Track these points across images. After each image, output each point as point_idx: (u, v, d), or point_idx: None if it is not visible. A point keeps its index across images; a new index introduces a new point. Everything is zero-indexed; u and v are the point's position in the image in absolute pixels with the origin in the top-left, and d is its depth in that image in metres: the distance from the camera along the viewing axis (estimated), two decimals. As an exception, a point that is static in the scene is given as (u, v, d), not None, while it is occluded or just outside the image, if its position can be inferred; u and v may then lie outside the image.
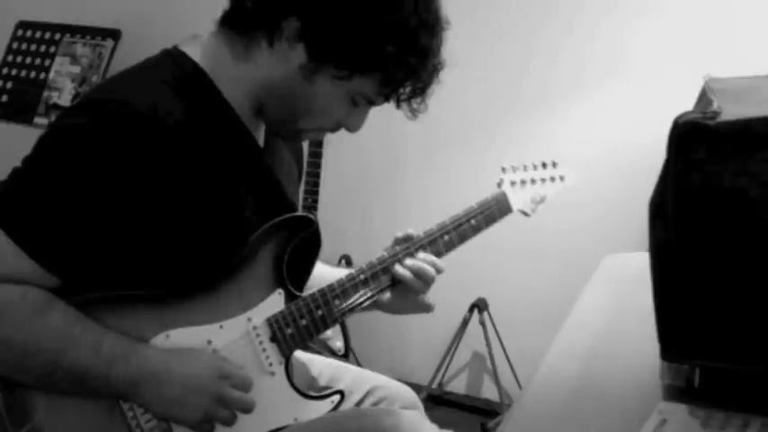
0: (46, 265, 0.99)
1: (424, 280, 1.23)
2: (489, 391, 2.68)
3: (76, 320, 1.02)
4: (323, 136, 1.19)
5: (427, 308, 1.31)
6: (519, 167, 1.41)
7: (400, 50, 1.03)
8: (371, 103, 1.11)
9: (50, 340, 1.00)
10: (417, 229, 1.27)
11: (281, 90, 1.08)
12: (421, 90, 1.10)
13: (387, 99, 1.11)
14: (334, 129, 1.15)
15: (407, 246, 1.25)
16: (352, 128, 1.14)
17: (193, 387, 1.06)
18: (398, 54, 1.03)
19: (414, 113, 1.13)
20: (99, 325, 1.03)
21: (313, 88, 1.07)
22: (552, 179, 1.44)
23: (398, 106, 1.12)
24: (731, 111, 0.74)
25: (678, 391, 0.85)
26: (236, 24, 1.08)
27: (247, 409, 1.10)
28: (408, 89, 1.09)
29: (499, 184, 1.38)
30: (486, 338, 2.48)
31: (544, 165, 1.44)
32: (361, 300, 1.21)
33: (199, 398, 1.06)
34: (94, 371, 1.01)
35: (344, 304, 1.19)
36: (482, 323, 2.49)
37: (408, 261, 1.23)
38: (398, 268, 1.22)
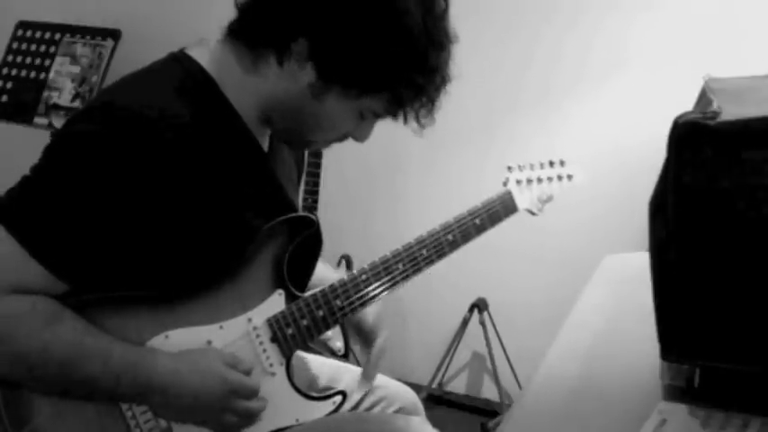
0: (58, 273, 0.99)
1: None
2: (489, 391, 2.68)
3: (86, 330, 1.02)
4: (329, 145, 1.19)
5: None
6: (525, 166, 1.40)
7: (409, 71, 1.04)
8: (379, 117, 1.12)
9: (61, 351, 1.00)
10: (418, 228, 1.27)
11: (290, 105, 1.08)
12: (428, 104, 1.10)
13: (395, 115, 1.11)
14: (342, 139, 1.15)
15: (410, 246, 1.25)
16: (360, 139, 1.15)
17: (202, 401, 1.07)
18: (407, 74, 1.04)
19: (421, 127, 1.13)
20: (108, 335, 1.04)
21: (322, 105, 1.07)
22: (560, 178, 1.44)
23: (405, 122, 1.12)
24: (731, 111, 0.74)
25: (678, 391, 0.86)
26: (243, 38, 1.08)
27: (256, 415, 1.12)
28: (416, 105, 1.10)
29: (505, 183, 1.38)
30: (486, 338, 2.48)
31: (551, 163, 1.43)
32: (363, 301, 1.21)
33: (208, 412, 1.08)
34: (103, 381, 1.02)
35: (346, 305, 1.19)
36: (482, 323, 2.49)
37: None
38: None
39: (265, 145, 1.19)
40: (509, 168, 1.39)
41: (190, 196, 1.03)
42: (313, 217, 1.17)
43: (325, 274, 1.31)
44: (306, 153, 1.41)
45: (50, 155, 1.00)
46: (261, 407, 1.12)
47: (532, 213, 1.41)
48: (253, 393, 1.11)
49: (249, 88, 1.09)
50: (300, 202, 2.32)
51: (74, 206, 0.98)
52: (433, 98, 1.10)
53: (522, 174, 1.39)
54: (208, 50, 1.10)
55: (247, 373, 1.11)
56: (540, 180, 1.41)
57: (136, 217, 1.00)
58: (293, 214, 1.16)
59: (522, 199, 1.38)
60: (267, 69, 1.07)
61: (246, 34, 1.07)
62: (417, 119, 1.12)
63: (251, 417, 1.11)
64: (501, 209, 1.33)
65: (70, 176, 0.98)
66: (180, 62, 1.09)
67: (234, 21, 1.09)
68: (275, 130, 1.16)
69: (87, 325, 1.03)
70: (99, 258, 1.01)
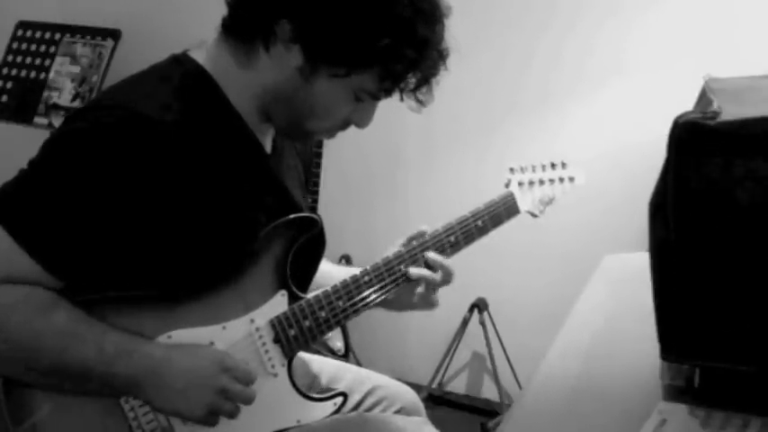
0: (48, 268, 0.99)
1: (444, 278, 1.24)
2: (489, 391, 2.68)
3: (80, 319, 1.02)
4: (334, 135, 1.18)
5: (433, 304, 1.29)
6: (527, 168, 1.39)
7: (396, 43, 1.02)
8: (375, 98, 1.10)
9: (55, 339, 1.00)
10: (420, 227, 1.27)
11: (284, 93, 1.08)
12: (424, 81, 1.08)
13: (389, 93, 1.09)
14: (343, 127, 1.14)
15: (413, 247, 1.24)
16: (360, 124, 1.13)
17: (195, 381, 1.06)
18: (395, 47, 1.02)
19: (420, 105, 1.11)
20: (102, 323, 1.03)
21: (313, 89, 1.06)
22: (561, 180, 1.43)
23: (402, 99, 1.10)
24: (731, 111, 0.74)
25: (678, 391, 0.86)
26: (234, 31, 1.08)
27: (248, 401, 1.09)
28: (411, 81, 1.08)
29: (507, 185, 1.37)
30: (486, 338, 2.48)
31: (553, 165, 1.42)
32: (366, 302, 1.20)
33: (201, 391, 1.05)
34: (97, 369, 1.02)
35: (348, 306, 1.19)
36: (482, 323, 2.49)
37: (431, 255, 1.23)
38: (429, 255, 1.22)
39: (268, 146, 1.19)
40: (511, 170, 1.38)
41: (186, 195, 1.03)
42: (316, 217, 1.17)
43: (334, 271, 1.31)
44: (312, 158, 1.40)
45: (47, 151, 1.01)
46: (254, 394, 1.09)
47: (534, 215, 1.40)
48: (247, 376, 1.09)
49: (246, 83, 1.09)
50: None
51: (67, 202, 0.98)
52: (428, 74, 1.07)
53: (524, 175, 1.38)
54: (207, 51, 1.11)
55: (244, 362, 1.10)
56: (541, 182, 1.40)
57: (130, 215, 1.00)
58: (296, 215, 1.16)
59: (524, 201, 1.37)
60: (259, 60, 1.07)
61: (236, 27, 1.07)
62: (415, 96, 1.09)
63: (244, 402, 1.09)
64: (503, 211, 1.32)
65: (65, 173, 0.98)
66: (180, 63, 1.09)
67: (225, 16, 1.09)
68: (276, 126, 1.16)
69: (82, 313, 1.02)
70: (92, 255, 1.01)
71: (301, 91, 1.06)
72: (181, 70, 1.08)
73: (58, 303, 1.01)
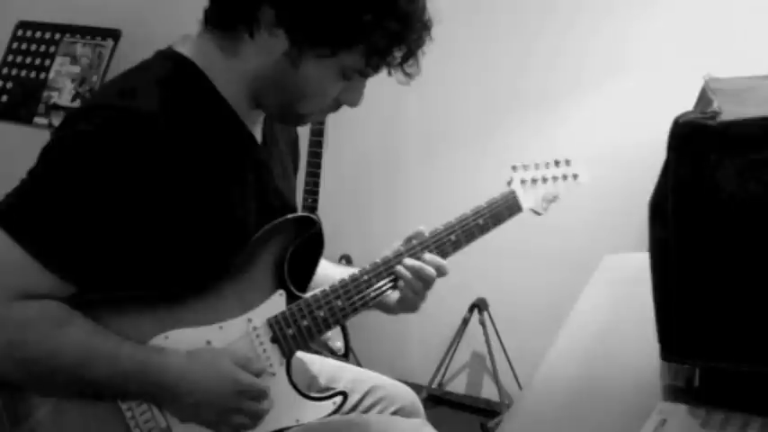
0: (63, 275, 0.99)
1: (423, 281, 1.22)
2: (489, 391, 2.68)
3: (94, 332, 1.02)
4: (326, 116, 1.17)
5: (414, 309, 1.26)
6: (530, 165, 1.38)
7: (380, 19, 1.02)
8: (363, 74, 1.10)
9: (71, 355, 1.00)
10: (418, 227, 1.27)
11: (272, 79, 1.08)
12: (410, 54, 1.08)
13: (377, 69, 1.09)
14: (335, 107, 1.14)
15: (412, 246, 1.24)
16: (351, 103, 1.13)
17: (214, 401, 1.07)
18: (378, 23, 1.02)
19: (408, 78, 1.11)
20: (116, 335, 1.04)
21: (302, 72, 1.06)
22: (565, 177, 1.41)
23: (390, 74, 1.10)
24: (731, 111, 0.74)
25: (678, 391, 0.86)
26: (217, 21, 1.08)
27: (260, 417, 1.11)
28: (398, 55, 1.08)
29: (509, 183, 1.36)
30: (486, 338, 2.48)
31: (557, 162, 1.41)
32: (364, 300, 1.20)
33: (218, 411, 1.08)
34: (113, 383, 1.03)
35: (346, 305, 1.19)
36: (482, 323, 2.49)
37: (408, 261, 1.22)
38: (399, 268, 1.22)
39: (258, 135, 1.19)
40: (513, 168, 1.37)
41: (182, 186, 1.03)
42: (314, 217, 1.17)
43: (333, 270, 1.31)
44: (298, 146, 1.39)
45: (46, 157, 1.00)
46: (268, 408, 1.12)
47: (537, 213, 1.39)
48: (262, 395, 1.11)
49: (234, 73, 1.09)
50: (300, 201, 2.33)
51: (73, 207, 0.98)
52: (414, 46, 1.07)
53: (526, 173, 1.37)
54: (192, 43, 1.11)
55: (258, 373, 1.11)
56: (544, 180, 1.39)
57: (133, 213, 1.00)
58: (296, 215, 1.16)
59: (527, 199, 1.36)
60: (245, 48, 1.07)
61: (219, 16, 1.08)
62: (402, 70, 1.09)
63: (258, 418, 1.11)
64: (505, 209, 1.32)
65: (67, 177, 0.98)
66: (168, 58, 1.09)
67: (207, 7, 1.09)
68: (268, 112, 1.16)
69: (96, 326, 1.03)
70: (102, 258, 1.01)
71: (290, 74, 1.06)
72: (168, 64, 1.08)
73: (71, 317, 1.01)
